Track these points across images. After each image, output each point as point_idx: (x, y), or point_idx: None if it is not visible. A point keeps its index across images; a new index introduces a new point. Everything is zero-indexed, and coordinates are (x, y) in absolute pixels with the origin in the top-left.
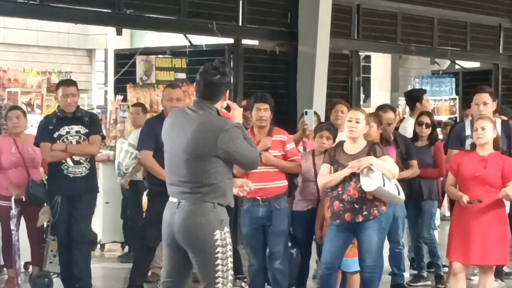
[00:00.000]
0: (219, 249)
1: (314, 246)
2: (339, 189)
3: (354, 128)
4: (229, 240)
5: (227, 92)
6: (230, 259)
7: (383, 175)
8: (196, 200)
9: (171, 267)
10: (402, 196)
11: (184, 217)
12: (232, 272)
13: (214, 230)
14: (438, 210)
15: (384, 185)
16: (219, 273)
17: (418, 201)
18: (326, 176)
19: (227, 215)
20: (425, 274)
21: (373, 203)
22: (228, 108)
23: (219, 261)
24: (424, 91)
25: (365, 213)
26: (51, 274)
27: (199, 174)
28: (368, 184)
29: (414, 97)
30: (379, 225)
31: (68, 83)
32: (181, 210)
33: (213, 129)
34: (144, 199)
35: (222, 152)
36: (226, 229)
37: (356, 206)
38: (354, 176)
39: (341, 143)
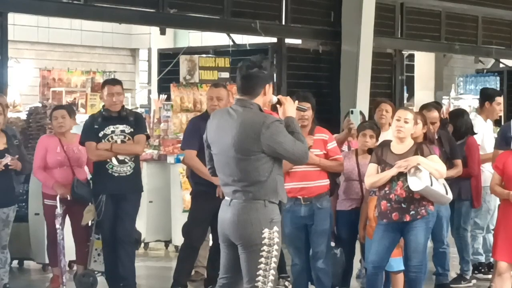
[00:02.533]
0: (265, 247)
1: (358, 246)
2: (386, 188)
3: (402, 127)
4: (277, 240)
5: (271, 86)
6: (275, 259)
7: (430, 175)
8: (247, 198)
9: (226, 264)
10: (450, 196)
11: (235, 214)
12: (275, 272)
13: (263, 228)
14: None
15: (431, 185)
16: (261, 271)
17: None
18: (373, 176)
19: (279, 214)
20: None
21: (420, 202)
22: (279, 103)
23: (262, 259)
24: (500, 93)
25: (412, 212)
26: (96, 272)
27: (247, 172)
28: (416, 183)
29: (487, 95)
30: (427, 224)
31: (114, 82)
32: (232, 207)
33: (255, 125)
34: (188, 198)
35: (267, 148)
36: (276, 228)
37: (403, 205)
38: (402, 175)
39: (388, 142)
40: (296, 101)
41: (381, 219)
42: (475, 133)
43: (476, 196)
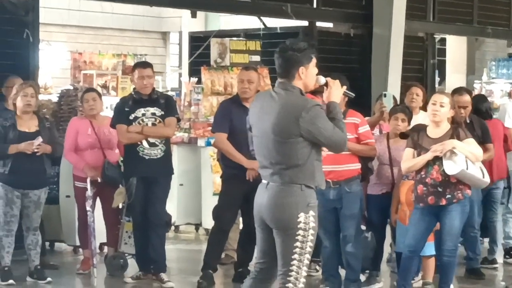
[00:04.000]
0: (300, 231)
1: (388, 230)
2: (423, 172)
3: (437, 111)
4: (312, 224)
5: (307, 68)
6: (310, 244)
7: (466, 158)
8: (283, 181)
9: (263, 248)
10: (487, 179)
11: (271, 197)
12: (309, 257)
13: (299, 212)
14: None
15: (467, 168)
16: (296, 255)
17: None
18: (409, 160)
19: (315, 199)
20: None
21: (457, 186)
22: (327, 85)
23: (298, 244)
24: None
25: (448, 196)
26: (126, 255)
27: (285, 155)
28: (451, 167)
29: None
30: (463, 208)
31: (144, 65)
32: (269, 190)
33: (295, 108)
34: (218, 181)
35: (305, 132)
36: (312, 213)
37: (439, 189)
38: (438, 159)
39: (424, 127)
40: (344, 86)
41: (417, 203)
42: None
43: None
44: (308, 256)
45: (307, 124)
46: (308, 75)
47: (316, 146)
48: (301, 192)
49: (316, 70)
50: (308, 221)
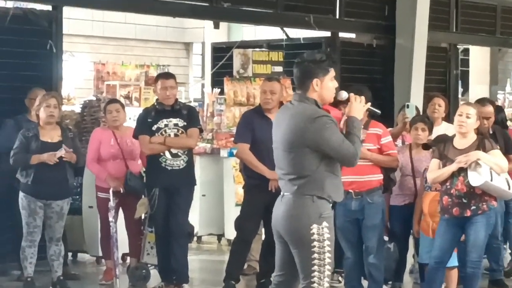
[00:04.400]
0: (315, 243)
1: (411, 241)
2: (448, 183)
3: (463, 123)
4: (327, 235)
5: (323, 80)
6: (328, 254)
7: (491, 170)
8: (296, 192)
9: (281, 260)
10: None
11: (285, 209)
12: (330, 268)
13: (311, 223)
14: None
15: (491, 180)
16: (315, 267)
17: None
18: (435, 171)
19: (329, 209)
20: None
21: (482, 197)
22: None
23: (315, 255)
24: None
25: (473, 207)
26: (149, 265)
27: (294, 166)
28: (476, 178)
29: None
30: (488, 220)
31: (167, 76)
32: (283, 202)
33: (303, 118)
34: (241, 192)
35: (311, 142)
36: (325, 224)
37: (464, 200)
38: (463, 170)
39: (451, 138)
40: (369, 103)
41: (443, 214)
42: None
43: None
44: (328, 267)
45: (313, 134)
46: (324, 87)
47: (327, 157)
48: (313, 203)
49: (334, 83)
50: (322, 232)
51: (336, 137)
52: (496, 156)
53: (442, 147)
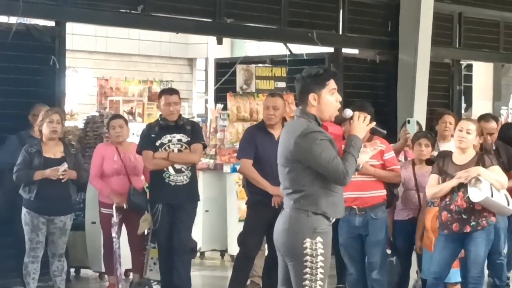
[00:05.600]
0: (308, 257)
1: (414, 256)
2: (447, 199)
3: (464, 138)
4: (321, 251)
5: (320, 95)
6: (321, 270)
7: (491, 186)
8: (292, 207)
9: (282, 275)
10: None
11: (282, 223)
12: (323, 283)
13: (304, 238)
14: None
15: (492, 196)
16: (307, 282)
17: None
18: (434, 186)
19: (325, 225)
20: None
21: (481, 213)
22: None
23: (307, 270)
24: None
25: (473, 223)
26: (152, 281)
27: (290, 180)
28: (476, 194)
29: None
30: (487, 236)
31: (171, 91)
32: (282, 216)
33: (293, 133)
34: (244, 207)
35: (302, 158)
36: (319, 239)
37: (464, 216)
38: (462, 186)
39: (450, 153)
40: (374, 123)
41: (442, 230)
42: None
43: None
44: (320, 283)
45: (302, 150)
46: (322, 102)
47: (322, 174)
48: (307, 218)
49: (335, 97)
50: (315, 247)
51: (326, 154)
52: (496, 172)
53: (441, 163)
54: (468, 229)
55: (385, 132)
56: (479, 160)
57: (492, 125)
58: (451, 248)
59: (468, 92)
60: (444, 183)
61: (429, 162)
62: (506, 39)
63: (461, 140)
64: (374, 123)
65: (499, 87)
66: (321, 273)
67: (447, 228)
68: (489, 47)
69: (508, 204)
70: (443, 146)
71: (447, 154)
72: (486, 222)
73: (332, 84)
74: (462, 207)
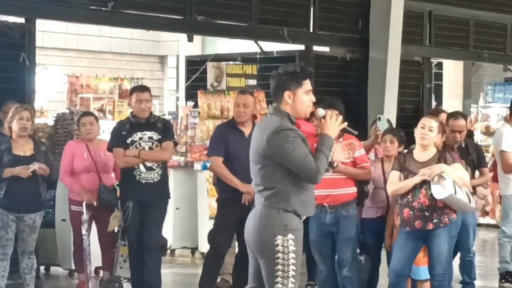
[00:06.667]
0: (279, 254)
1: (384, 254)
2: (409, 196)
3: (426, 135)
4: (292, 248)
5: (295, 93)
6: (293, 267)
7: (454, 183)
8: (263, 204)
9: (253, 272)
10: (473, 204)
11: (253, 220)
12: (294, 280)
13: (276, 235)
14: None
15: (455, 193)
16: (279, 279)
17: None
18: (395, 183)
19: (296, 222)
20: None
21: (443, 210)
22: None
23: (279, 267)
24: None
25: (435, 220)
26: (122, 279)
27: (262, 177)
28: (440, 191)
29: None
30: (450, 233)
31: (142, 89)
32: (253, 213)
33: (266, 130)
34: (215, 205)
35: (274, 155)
36: (291, 236)
37: (426, 213)
38: (425, 183)
39: (411, 150)
40: (345, 123)
41: (403, 227)
42: None
43: None
44: (292, 279)
45: (274, 147)
46: (297, 100)
47: (292, 171)
48: (279, 215)
49: (309, 97)
50: (287, 244)
51: (298, 152)
52: (458, 170)
53: (402, 159)
54: (430, 226)
55: (356, 132)
56: (441, 157)
57: (462, 122)
58: (412, 246)
59: (438, 90)
60: (407, 180)
61: None
62: (476, 37)
63: (423, 137)
64: (346, 123)
65: (469, 85)
66: (293, 270)
67: (409, 225)
68: (459, 45)
69: (470, 202)
70: None
71: (408, 151)
72: (448, 219)
73: (308, 84)
74: (425, 204)
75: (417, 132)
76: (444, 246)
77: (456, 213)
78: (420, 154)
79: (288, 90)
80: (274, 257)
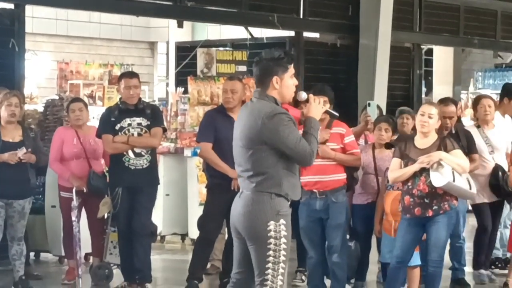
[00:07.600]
0: (271, 240)
1: (374, 240)
2: (409, 183)
3: (426, 122)
4: (284, 233)
5: (282, 78)
6: (284, 252)
7: (453, 170)
8: (254, 189)
9: (239, 258)
10: (474, 190)
11: (243, 206)
12: (285, 266)
13: (268, 220)
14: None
15: (454, 180)
16: (270, 264)
17: None
18: (396, 170)
19: (287, 207)
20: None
21: (443, 197)
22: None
23: (271, 252)
24: None
25: (435, 207)
26: (111, 265)
27: (253, 163)
28: (438, 179)
29: (508, 91)
30: (449, 220)
31: (131, 75)
32: (241, 199)
33: (261, 115)
34: (204, 191)
35: (268, 139)
36: (282, 221)
37: (426, 200)
38: (424, 170)
39: (412, 137)
40: (328, 105)
41: (404, 214)
42: None
43: None
44: (282, 265)
45: (269, 131)
46: (284, 85)
47: (285, 155)
48: (271, 200)
49: (294, 81)
50: (279, 230)
51: (293, 136)
52: (457, 157)
53: (403, 147)
54: (430, 213)
55: (337, 114)
56: (441, 144)
57: (452, 109)
58: (414, 232)
59: (428, 76)
60: (406, 168)
61: (388, 146)
62: (466, 24)
63: (423, 124)
64: (328, 105)
65: (459, 71)
66: (283, 255)
67: (409, 212)
68: (449, 32)
69: (470, 188)
70: (489, 133)
71: (408, 138)
72: (448, 206)
73: (292, 69)
74: (424, 191)
75: (417, 119)
76: (442, 233)
77: (457, 200)
78: (420, 141)
79: (276, 75)
80: (266, 243)
